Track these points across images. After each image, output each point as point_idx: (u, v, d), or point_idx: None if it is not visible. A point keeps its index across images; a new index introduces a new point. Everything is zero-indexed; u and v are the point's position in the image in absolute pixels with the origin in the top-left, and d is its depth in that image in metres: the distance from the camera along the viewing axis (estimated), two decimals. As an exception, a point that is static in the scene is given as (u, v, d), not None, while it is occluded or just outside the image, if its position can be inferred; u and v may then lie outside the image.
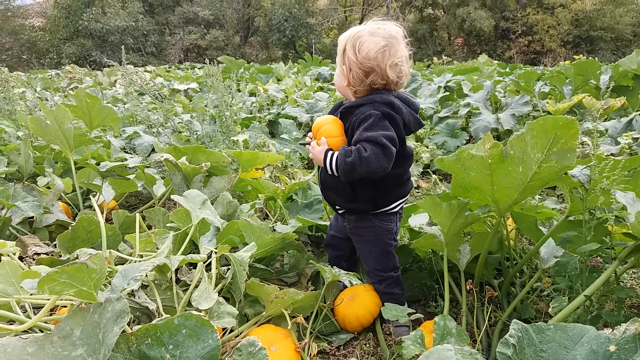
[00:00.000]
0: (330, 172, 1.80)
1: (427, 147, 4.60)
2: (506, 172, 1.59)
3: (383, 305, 1.85)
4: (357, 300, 2.02)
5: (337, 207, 2.06)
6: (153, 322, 1.21)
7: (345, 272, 1.93)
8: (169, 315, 1.19)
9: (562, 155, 1.46)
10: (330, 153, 1.79)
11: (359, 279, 1.92)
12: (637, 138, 3.92)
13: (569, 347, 1.15)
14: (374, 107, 1.78)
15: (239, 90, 5.97)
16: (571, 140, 1.42)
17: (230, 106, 4.16)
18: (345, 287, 2.11)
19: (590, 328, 1.16)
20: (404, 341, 1.48)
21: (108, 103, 6.87)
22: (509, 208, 1.76)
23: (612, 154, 3.79)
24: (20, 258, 2.27)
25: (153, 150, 4.18)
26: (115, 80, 10.73)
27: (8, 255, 1.88)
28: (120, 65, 4.93)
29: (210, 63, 4.71)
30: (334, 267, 1.97)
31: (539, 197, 2.93)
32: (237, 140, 4.04)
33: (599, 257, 2.46)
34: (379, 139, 1.69)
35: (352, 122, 1.82)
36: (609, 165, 1.56)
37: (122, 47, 5.35)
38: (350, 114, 1.83)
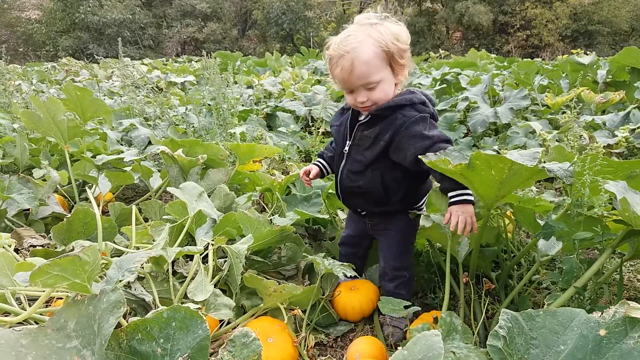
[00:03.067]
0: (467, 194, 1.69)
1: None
2: (480, 177, 1.58)
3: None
4: (359, 289, 2.02)
5: (361, 211, 2.02)
6: (142, 317, 1.20)
7: (340, 263, 1.91)
8: (165, 307, 1.18)
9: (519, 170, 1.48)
10: (466, 194, 1.68)
11: (353, 269, 1.91)
12: (634, 129, 3.92)
13: (560, 332, 1.15)
14: (416, 108, 1.76)
15: (235, 83, 5.93)
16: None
17: (227, 98, 4.14)
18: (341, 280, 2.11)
19: (580, 311, 1.16)
20: (412, 332, 1.48)
21: (104, 96, 6.84)
22: (494, 201, 1.76)
23: (608, 145, 3.80)
24: (16, 250, 2.26)
25: (150, 142, 4.16)
26: (112, 73, 10.67)
27: (3, 247, 1.87)
28: (117, 58, 4.90)
29: (207, 56, 4.69)
30: (329, 258, 1.95)
31: (537, 189, 2.93)
32: (235, 133, 4.02)
33: (596, 250, 2.46)
34: (444, 136, 1.70)
35: (395, 125, 1.76)
36: (596, 159, 1.56)
37: (119, 39, 5.31)
38: (385, 117, 1.78)
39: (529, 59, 9.09)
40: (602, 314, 1.12)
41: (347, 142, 1.93)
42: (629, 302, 1.10)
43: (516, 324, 1.16)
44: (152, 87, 4.81)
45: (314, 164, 2.18)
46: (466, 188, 1.67)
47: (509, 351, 1.11)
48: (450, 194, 1.70)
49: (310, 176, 2.13)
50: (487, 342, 1.12)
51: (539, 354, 1.13)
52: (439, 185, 1.79)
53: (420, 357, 0.94)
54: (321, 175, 2.16)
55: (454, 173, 1.61)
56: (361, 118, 1.90)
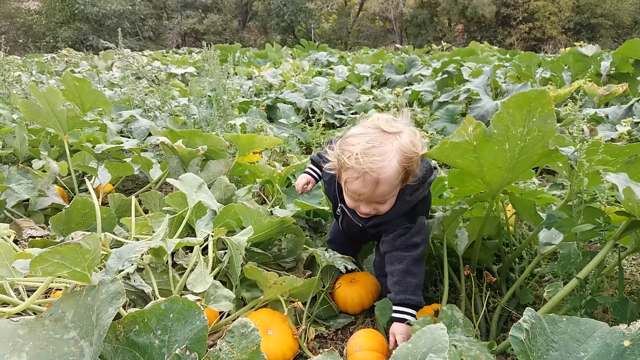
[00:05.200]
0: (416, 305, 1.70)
1: (427, 133, 4.57)
2: (493, 152, 1.55)
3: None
4: (359, 281, 2.01)
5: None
6: (141, 308, 1.19)
7: (341, 256, 1.91)
8: (163, 299, 1.17)
9: (543, 122, 1.44)
10: (408, 315, 1.67)
11: (353, 262, 1.91)
12: (638, 123, 3.90)
13: (581, 340, 1.14)
14: (408, 218, 1.75)
15: (235, 74, 5.90)
16: (547, 107, 1.41)
17: (227, 89, 4.11)
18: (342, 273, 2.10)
19: (602, 324, 1.15)
20: (414, 325, 1.48)
21: (104, 87, 6.81)
22: (500, 188, 1.74)
23: (611, 139, 3.78)
24: (15, 241, 2.25)
25: (150, 134, 4.14)
26: (112, 64, 10.63)
27: (2, 238, 1.86)
28: (117, 48, 4.87)
29: (207, 47, 4.66)
30: (329, 251, 1.95)
31: (539, 182, 2.91)
32: (235, 125, 4.00)
33: (598, 244, 2.45)
34: (413, 241, 1.73)
35: (382, 226, 1.79)
36: (597, 147, 1.54)
37: (119, 29, 5.28)
38: (382, 223, 1.78)
39: (531, 52, 9.04)
40: (628, 325, 1.11)
41: (339, 205, 1.90)
42: None
43: (539, 324, 1.16)
44: (155, 76, 4.76)
45: (307, 172, 2.13)
46: (412, 305, 1.68)
47: (530, 346, 1.10)
48: (396, 308, 1.69)
49: (309, 188, 2.11)
50: (510, 334, 1.12)
51: (558, 357, 1.12)
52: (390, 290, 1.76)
53: (425, 350, 0.93)
54: (316, 181, 2.14)
55: (466, 151, 1.57)
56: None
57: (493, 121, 1.49)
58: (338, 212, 1.93)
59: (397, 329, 1.66)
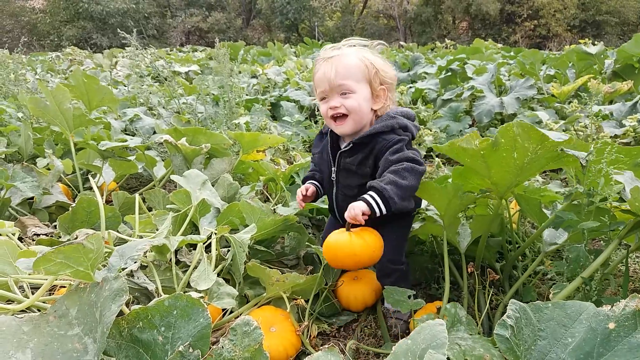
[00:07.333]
0: (380, 212, 1.63)
1: (431, 130, 4.56)
2: (501, 159, 1.57)
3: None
4: (362, 279, 2.02)
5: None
6: (144, 306, 1.19)
7: None
8: (167, 296, 1.18)
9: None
10: (370, 196, 1.63)
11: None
12: (642, 120, 3.88)
13: (568, 325, 1.13)
14: (396, 133, 1.77)
15: (239, 72, 5.90)
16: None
17: (234, 87, 4.11)
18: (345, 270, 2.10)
19: (588, 305, 1.14)
20: (416, 322, 1.48)
21: (108, 85, 6.82)
22: (508, 189, 1.74)
23: (615, 136, 3.76)
24: (20, 239, 2.26)
25: (154, 132, 4.15)
26: (116, 63, 10.65)
27: (7, 236, 1.87)
28: (124, 48, 4.86)
29: (218, 42, 4.66)
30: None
31: (543, 180, 2.90)
32: (239, 123, 4.01)
33: (602, 242, 2.44)
34: (410, 155, 1.69)
35: (376, 150, 1.77)
36: (607, 147, 1.54)
37: (133, 29, 5.29)
38: (366, 144, 1.78)
39: (535, 49, 9.01)
40: (611, 307, 1.10)
41: (333, 168, 1.90)
42: (639, 295, 1.08)
43: (524, 315, 1.15)
44: (166, 71, 4.71)
45: (310, 183, 2.06)
46: (375, 190, 1.63)
47: (516, 341, 1.10)
48: (370, 193, 1.64)
49: (308, 194, 2.01)
50: (494, 331, 1.11)
51: (546, 346, 1.12)
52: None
53: (424, 346, 0.93)
54: (317, 194, 2.06)
55: (475, 155, 1.59)
56: (342, 146, 1.87)
57: (500, 132, 1.49)
58: (333, 177, 1.91)
59: (359, 204, 1.62)
